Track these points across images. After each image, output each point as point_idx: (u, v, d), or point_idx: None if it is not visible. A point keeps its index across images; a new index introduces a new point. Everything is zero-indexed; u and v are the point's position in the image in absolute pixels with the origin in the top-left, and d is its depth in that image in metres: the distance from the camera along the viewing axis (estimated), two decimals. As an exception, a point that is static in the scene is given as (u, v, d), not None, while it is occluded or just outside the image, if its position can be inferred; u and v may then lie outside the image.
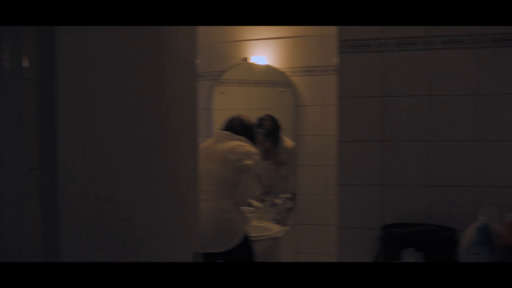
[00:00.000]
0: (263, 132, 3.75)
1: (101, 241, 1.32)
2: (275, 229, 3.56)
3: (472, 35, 2.52)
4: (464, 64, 2.55)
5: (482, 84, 2.53)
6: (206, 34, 3.80)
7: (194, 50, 1.93)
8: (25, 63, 1.13)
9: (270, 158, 3.84)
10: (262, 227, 3.62)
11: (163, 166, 1.68)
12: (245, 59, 3.87)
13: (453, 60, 2.56)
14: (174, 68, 1.77)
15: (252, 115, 3.71)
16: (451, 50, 2.55)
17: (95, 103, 1.30)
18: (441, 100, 2.58)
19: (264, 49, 3.84)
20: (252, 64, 3.86)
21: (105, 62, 1.35)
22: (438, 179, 2.60)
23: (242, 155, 2.95)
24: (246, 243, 2.95)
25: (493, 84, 2.52)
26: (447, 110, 2.58)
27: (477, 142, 2.55)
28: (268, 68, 3.82)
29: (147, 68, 1.59)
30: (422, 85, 2.60)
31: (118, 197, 1.41)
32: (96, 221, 1.30)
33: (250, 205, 3.83)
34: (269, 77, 3.87)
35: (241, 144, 3.02)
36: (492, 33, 2.50)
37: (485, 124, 2.54)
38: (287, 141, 3.84)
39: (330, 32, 2.69)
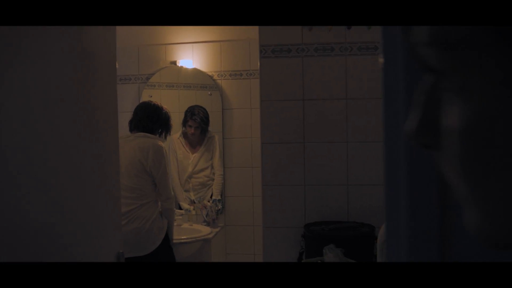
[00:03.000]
0: (196, 119, 3.82)
1: (15, 244, 1.31)
2: (205, 231, 3.59)
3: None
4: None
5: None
6: (133, 37, 3.79)
7: (113, 54, 1.94)
8: None
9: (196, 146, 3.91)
10: (192, 229, 3.65)
11: (85, 169, 1.69)
12: (174, 63, 3.88)
13: (365, 64, 2.68)
14: (94, 71, 1.78)
15: (180, 118, 3.76)
16: (364, 56, 2.69)
17: (14, 105, 1.29)
18: (356, 103, 2.71)
19: (192, 53, 3.87)
20: (180, 67, 3.88)
21: (23, 64, 1.34)
22: (357, 178, 2.72)
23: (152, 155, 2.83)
24: (165, 246, 2.95)
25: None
26: (361, 113, 2.70)
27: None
28: (196, 72, 3.86)
29: (68, 71, 1.59)
30: (339, 89, 2.71)
31: (37, 199, 1.40)
32: (11, 223, 1.29)
33: (179, 206, 3.85)
34: (197, 81, 3.91)
35: (150, 144, 2.87)
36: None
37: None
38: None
39: (255, 36, 2.76)
